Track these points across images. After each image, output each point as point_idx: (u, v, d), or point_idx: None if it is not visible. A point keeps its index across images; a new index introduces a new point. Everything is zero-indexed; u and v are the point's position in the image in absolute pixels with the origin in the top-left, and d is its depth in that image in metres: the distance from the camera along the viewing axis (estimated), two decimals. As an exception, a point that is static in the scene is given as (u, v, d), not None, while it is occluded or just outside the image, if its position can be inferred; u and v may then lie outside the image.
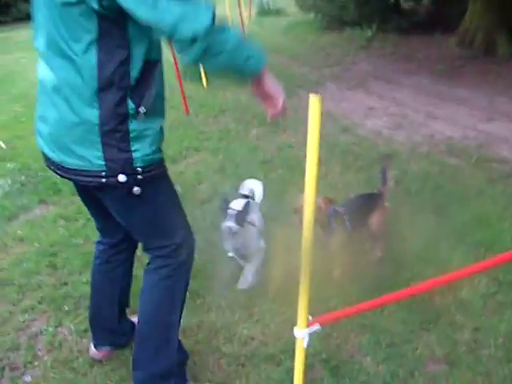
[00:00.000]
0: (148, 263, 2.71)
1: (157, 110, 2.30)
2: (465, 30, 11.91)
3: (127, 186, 2.25)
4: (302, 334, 2.18)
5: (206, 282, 3.85)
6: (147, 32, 2.04)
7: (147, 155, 2.26)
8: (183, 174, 5.87)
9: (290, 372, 2.58)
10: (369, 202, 4.01)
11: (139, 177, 2.25)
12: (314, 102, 1.72)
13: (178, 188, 2.75)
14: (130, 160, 2.21)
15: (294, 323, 2.16)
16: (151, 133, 2.26)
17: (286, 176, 5.52)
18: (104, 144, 2.16)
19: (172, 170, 5.70)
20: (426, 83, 9.55)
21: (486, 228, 4.34)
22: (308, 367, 3.03)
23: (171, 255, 2.60)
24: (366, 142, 6.58)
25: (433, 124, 7.27)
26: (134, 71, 2.12)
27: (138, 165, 2.23)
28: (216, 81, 9.38)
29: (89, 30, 2.00)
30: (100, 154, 2.18)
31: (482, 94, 8.67)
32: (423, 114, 7.69)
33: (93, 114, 2.12)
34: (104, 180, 2.22)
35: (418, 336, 3.28)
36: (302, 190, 4.94)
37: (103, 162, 2.19)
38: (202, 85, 9.49)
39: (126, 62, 2.08)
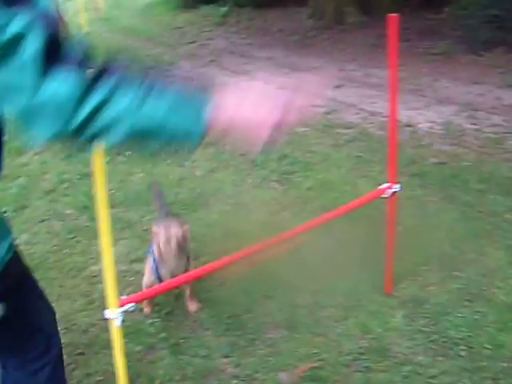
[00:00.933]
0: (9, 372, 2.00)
1: None
2: (316, 2, 12.13)
3: None
4: (113, 314, 2.07)
5: (48, 272, 3.68)
6: None
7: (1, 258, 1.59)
8: (27, 166, 5.60)
9: (132, 354, 2.49)
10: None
11: None
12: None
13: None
14: None
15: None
16: None
17: (135, 157, 5.37)
18: None
19: (16, 163, 5.56)
20: (279, 55, 9.64)
21: (329, 192, 4.39)
22: (148, 348, 2.98)
23: (47, 350, 1.99)
24: (216, 118, 6.49)
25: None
26: None
27: None
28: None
29: None
30: None
31: (332, 62, 8.87)
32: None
33: None
34: None
35: (259, 305, 3.26)
36: (148, 173, 4.76)
37: None
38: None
39: None
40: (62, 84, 1.09)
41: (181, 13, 14.98)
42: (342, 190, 4.40)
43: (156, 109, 1.15)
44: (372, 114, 6.34)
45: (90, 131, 1.14)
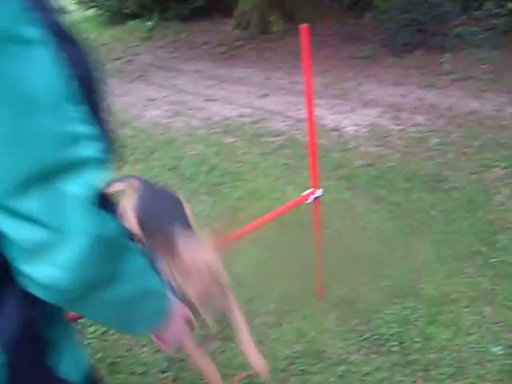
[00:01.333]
0: None
1: None
2: (241, 12, 12.22)
3: None
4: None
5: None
6: None
7: (80, 362, 1.17)
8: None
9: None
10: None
11: None
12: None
13: None
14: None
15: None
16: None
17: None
18: None
19: None
20: (206, 68, 9.67)
21: (259, 201, 4.43)
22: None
23: None
24: (144, 134, 6.50)
25: (211, 107, 7.36)
26: None
27: None
28: None
29: None
30: None
31: (258, 71, 8.95)
32: (202, 99, 7.77)
33: None
34: None
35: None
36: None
37: None
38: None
39: None
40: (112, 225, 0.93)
41: (106, 29, 14.83)
42: (271, 198, 4.45)
43: (154, 281, 1.13)
44: (298, 120, 6.42)
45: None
